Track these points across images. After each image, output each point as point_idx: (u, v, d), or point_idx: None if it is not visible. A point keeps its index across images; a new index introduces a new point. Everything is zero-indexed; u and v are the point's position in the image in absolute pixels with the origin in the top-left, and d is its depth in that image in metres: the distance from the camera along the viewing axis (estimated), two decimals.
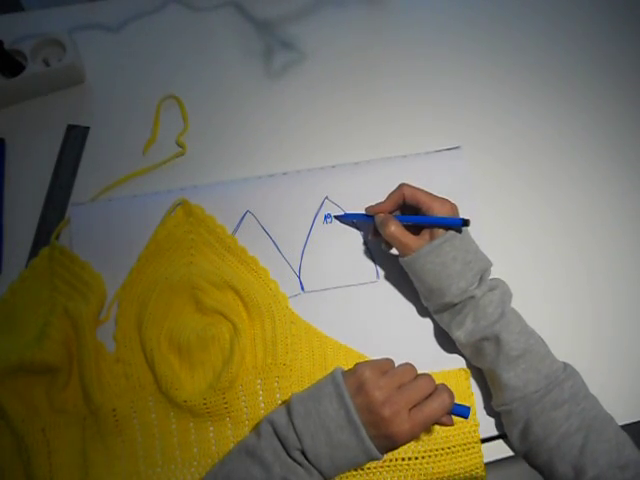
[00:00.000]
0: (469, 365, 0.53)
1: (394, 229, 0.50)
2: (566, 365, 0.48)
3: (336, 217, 0.58)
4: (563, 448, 0.44)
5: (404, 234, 0.50)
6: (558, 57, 0.70)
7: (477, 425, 0.50)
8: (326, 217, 0.58)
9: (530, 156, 0.64)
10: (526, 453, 0.47)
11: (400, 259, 0.51)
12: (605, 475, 0.42)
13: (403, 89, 0.67)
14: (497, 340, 0.47)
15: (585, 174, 0.64)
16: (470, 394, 0.52)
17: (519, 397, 0.46)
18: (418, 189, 0.51)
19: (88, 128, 0.63)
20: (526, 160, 0.64)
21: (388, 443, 0.41)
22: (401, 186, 0.52)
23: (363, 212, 0.55)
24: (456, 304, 0.49)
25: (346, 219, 0.58)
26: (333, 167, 0.61)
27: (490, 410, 0.52)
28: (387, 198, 0.53)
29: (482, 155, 0.63)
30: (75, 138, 0.62)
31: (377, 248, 0.57)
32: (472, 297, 0.48)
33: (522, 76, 0.68)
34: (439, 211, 0.49)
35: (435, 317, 0.53)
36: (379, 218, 0.52)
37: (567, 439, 0.44)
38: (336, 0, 0.72)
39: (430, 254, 0.48)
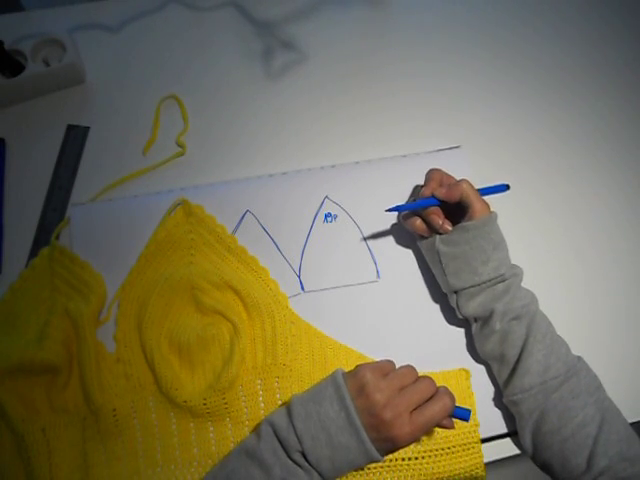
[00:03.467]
0: (473, 362, 0.53)
1: (467, 186, 0.50)
2: (579, 356, 0.49)
3: (390, 210, 0.53)
4: (578, 438, 0.44)
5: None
6: (557, 58, 0.70)
7: (477, 425, 0.50)
8: (326, 216, 0.58)
9: (530, 156, 0.64)
10: (536, 447, 0.47)
11: (468, 223, 0.49)
12: (616, 467, 0.43)
13: (403, 89, 0.67)
14: (531, 321, 0.48)
15: (584, 174, 0.64)
16: (470, 394, 0.52)
17: (539, 383, 0.46)
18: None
19: (88, 128, 0.63)
20: (526, 160, 0.64)
21: (389, 445, 0.41)
22: (462, 182, 0.51)
23: (411, 201, 0.55)
24: (506, 279, 0.49)
25: (403, 210, 0.54)
26: (333, 167, 0.61)
27: (490, 410, 0.52)
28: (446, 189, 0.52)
29: (482, 155, 0.63)
30: (75, 138, 0.62)
31: (377, 248, 0.57)
32: (516, 275, 0.50)
33: (522, 77, 0.68)
34: (481, 208, 0.50)
35: (467, 305, 0.50)
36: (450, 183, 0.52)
37: (582, 429, 0.44)
38: (337, 0, 0.72)
39: (495, 222, 0.50)
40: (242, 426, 0.50)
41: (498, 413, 0.52)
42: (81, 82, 0.65)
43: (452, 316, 0.54)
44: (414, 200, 0.56)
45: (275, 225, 0.58)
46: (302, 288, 0.56)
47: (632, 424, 0.47)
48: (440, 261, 0.51)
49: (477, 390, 0.52)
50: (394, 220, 0.59)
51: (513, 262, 0.51)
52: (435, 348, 0.54)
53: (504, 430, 0.51)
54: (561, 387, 0.46)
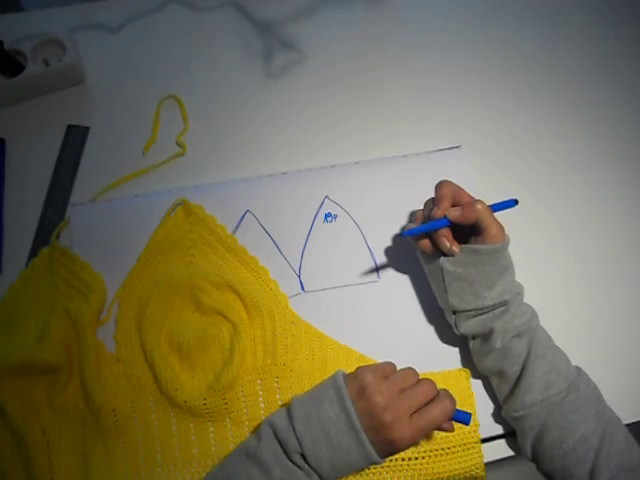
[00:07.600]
0: (468, 365, 0.53)
1: (482, 207, 0.46)
2: (578, 367, 0.48)
3: (405, 235, 0.50)
4: (579, 452, 0.44)
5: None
6: (558, 58, 0.70)
7: (477, 425, 0.50)
8: (326, 216, 0.58)
9: (530, 156, 0.64)
10: (538, 459, 0.47)
11: (480, 247, 0.47)
12: (617, 478, 0.42)
13: (403, 89, 0.67)
14: (532, 337, 0.47)
15: (583, 174, 0.64)
16: (470, 394, 0.52)
17: (540, 400, 0.45)
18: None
19: (88, 128, 0.63)
20: (526, 160, 0.64)
21: (388, 448, 0.41)
22: (476, 204, 0.47)
23: (422, 224, 0.50)
24: (508, 303, 0.48)
25: (417, 233, 0.50)
26: (333, 167, 0.61)
27: (490, 410, 0.52)
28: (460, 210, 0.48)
29: (482, 155, 0.63)
30: (75, 138, 0.62)
31: (377, 248, 0.57)
32: (518, 294, 0.48)
33: (522, 77, 0.68)
34: (496, 232, 0.47)
35: (465, 324, 0.49)
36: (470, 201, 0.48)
37: (584, 443, 0.44)
38: (336, 0, 0.72)
39: (507, 247, 0.48)
40: (242, 426, 0.50)
41: (498, 413, 0.52)
42: (81, 82, 0.65)
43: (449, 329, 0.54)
44: (426, 218, 0.51)
45: (275, 225, 0.58)
46: (302, 288, 0.56)
47: (632, 424, 0.47)
48: (443, 279, 0.49)
49: (477, 390, 0.52)
50: (394, 220, 0.59)
51: (513, 261, 0.51)
52: (435, 348, 0.54)
53: (504, 430, 0.51)
54: (562, 402, 0.45)
